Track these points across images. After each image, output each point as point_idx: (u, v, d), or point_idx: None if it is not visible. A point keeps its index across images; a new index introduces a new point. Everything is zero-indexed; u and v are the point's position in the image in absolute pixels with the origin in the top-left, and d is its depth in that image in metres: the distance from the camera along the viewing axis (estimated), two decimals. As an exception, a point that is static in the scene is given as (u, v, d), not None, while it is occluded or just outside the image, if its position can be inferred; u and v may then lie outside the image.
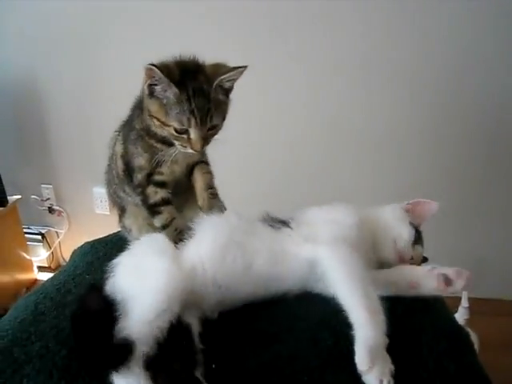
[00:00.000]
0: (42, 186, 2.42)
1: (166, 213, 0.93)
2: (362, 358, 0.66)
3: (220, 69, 0.87)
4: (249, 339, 0.80)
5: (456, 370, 0.70)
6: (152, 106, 0.85)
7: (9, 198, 2.15)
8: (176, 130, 0.84)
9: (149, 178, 0.93)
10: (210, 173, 0.99)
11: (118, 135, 1.00)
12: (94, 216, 2.34)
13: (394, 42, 1.82)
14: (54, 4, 2.01)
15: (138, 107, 0.93)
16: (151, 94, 0.84)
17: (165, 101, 0.83)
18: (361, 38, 1.83)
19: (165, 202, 0.94)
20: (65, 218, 2.46)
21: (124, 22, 1.98)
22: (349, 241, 0.80)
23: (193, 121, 0.82)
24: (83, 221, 2.44)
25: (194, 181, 0.97)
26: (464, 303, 1.69)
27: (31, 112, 2.26)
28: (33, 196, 2.42)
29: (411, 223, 0.93)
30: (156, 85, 0.82)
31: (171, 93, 0.82)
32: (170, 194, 0.95)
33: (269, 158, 2.08)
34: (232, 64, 0.87)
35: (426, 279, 0.76)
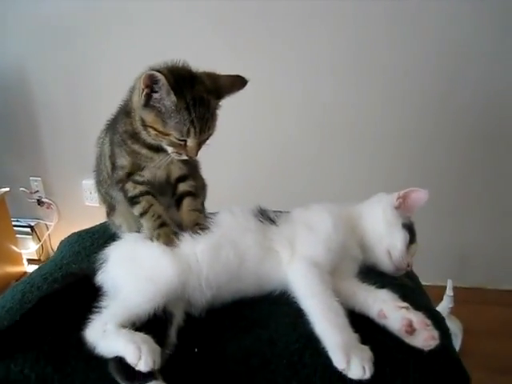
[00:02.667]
0: (31, 178, 2.41)
1: (144, 201, 0.92)
2: (337, 358, 0.69)
3: (218, 80, 0.85)
4: (230, 324, 0.82)
5: (430, 351, 0.73)
6: (147, 115, 0.82)
7: (-3, 190, 2.15)
8: (176, 138, 0.82)
9: (129, 176, 0.93)
10: (197, 210, 0.95)
11: (105, 135, 0.99)
12: (84, 208, 2.34)
13: (388, 43, 1.83)
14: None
15: (123, 111, 0.91)
16: (146, 103, 0.81)
17: (162, 109, 0.79)
18: (355, 39, 1.84)
19: (143, 194, 0.93)
20: (54, 210, 2.46)
21: (117, 17, 1.97)
22: (324, 250, 0.84)
23: (192, 131, 0.80)
24: (73, 213, 2.43)
25: (181, 216, 0.95)
26: (449, 292, 1.72)
27: (20, 104, 2.25)
28: (21, 188, 2.41)
29: (404, 224, 0.90)
30: (153, 94, 0.79)
31: (169, 101, 0.78)
32: (148, 188, 0.93)
33: (263, 152, 2.08)
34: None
35: (394, 315, 0.76)
